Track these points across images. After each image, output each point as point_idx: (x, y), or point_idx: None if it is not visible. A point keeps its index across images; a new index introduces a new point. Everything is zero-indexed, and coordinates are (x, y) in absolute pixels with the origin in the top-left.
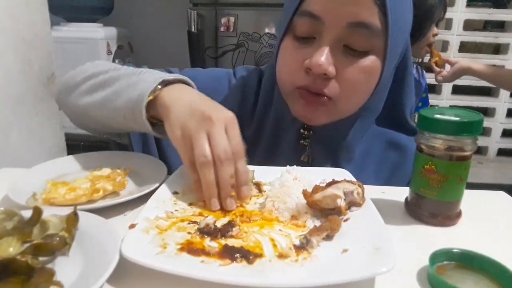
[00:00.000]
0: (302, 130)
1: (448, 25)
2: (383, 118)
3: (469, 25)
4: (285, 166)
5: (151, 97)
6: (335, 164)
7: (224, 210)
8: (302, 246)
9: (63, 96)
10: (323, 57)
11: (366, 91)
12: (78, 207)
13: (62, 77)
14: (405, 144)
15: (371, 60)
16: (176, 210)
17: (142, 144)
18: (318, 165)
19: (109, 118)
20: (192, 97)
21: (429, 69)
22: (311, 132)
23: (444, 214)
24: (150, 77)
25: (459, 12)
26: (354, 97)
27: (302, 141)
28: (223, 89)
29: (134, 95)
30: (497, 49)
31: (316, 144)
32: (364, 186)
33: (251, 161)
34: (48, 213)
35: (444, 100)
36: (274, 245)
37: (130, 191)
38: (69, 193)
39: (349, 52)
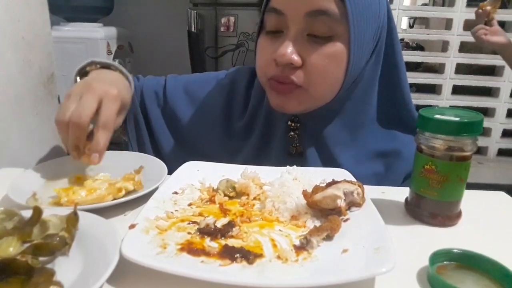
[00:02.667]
0: (289, 122)
1: (448, 25)
2: (382, 113)
3: (469, 25)
4: (275, 158)
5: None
6: (325, 158)
7: (224, 210)
8: (302, 246)
9: None
10: (287, 48)
11: (335, 77)
12: (78, 207)
13: None
14: (399, 148)
15: (335, 45)
16: (176, 210)
17: (137, 142)
18: (308, 157)
19: None
20: (103, 75)
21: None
22: (298, 124)
23: (444, 214)
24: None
25: (459, 12)
26: (323, 83)
27: (291, 133)
28: (210, 89)
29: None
30: None
31: (305, 137)
32: (364, 186)
33: (241, 152)
34: (48, 213)
35: (444, 100)
36: (274, 245)
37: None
38: (90, 193)
39: (313, 40)
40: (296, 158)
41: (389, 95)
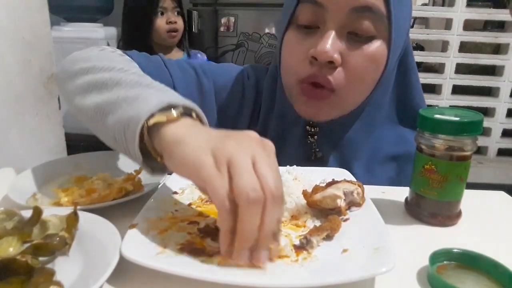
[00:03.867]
0: (308, 127)
1: (448, 25)
2: (393, 114)
3: (469, 25)
4: (294, 165)
5: (153, 121)
6: (343, 162)
7: None
8: (302, 246)
9: (60, 82)
10: (328, 44)
11: (372, 80)
12: (78, 207)
13: (65, 59)
14: (410, 151)
15: (376, 47)
16: (176, 210)
17: None
18: (326, 163)
19: (98, 132)
20: (210, 130)
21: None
22: (317, 128)
23: (444, 214)
24: (154, 94)
25: (459, 12)
26: (359, 86)
27: (310, 138)
28: (240, 89)
29: (129, 115)
30: (497, 49)
31: (323, 141)
32: (364, 186)
33: None
34: (48, 213)
35: (444, 100)
36: None
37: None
38: (90, 193)
39: (354, 39)
40: (315, 164)
41: (401, 97)
